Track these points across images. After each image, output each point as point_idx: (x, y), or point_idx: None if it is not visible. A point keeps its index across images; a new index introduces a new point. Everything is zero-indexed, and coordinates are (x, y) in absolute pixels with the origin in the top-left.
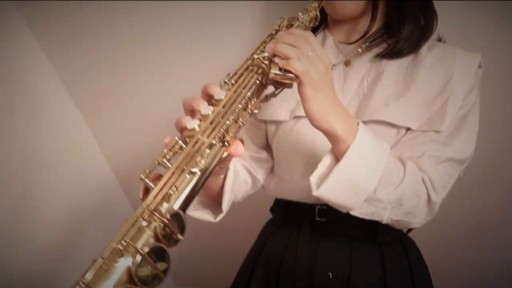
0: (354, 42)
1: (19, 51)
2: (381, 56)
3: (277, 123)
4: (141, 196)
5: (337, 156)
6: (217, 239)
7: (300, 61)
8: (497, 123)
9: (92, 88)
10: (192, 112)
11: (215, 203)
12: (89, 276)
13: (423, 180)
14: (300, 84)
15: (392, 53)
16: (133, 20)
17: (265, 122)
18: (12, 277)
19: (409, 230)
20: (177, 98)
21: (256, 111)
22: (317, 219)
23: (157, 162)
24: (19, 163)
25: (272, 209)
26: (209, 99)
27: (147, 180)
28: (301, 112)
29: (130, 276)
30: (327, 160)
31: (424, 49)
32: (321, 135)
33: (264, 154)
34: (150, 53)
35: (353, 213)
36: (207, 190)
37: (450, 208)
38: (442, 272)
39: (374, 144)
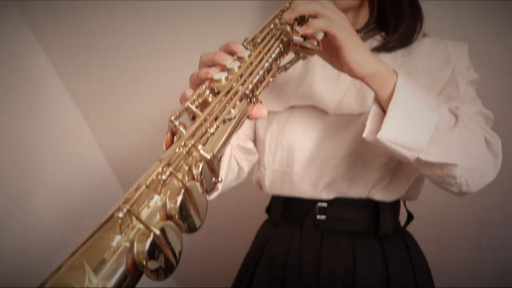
0: None
1: (19, 51)
2: (377, 50)
3: (270, 114)
4: (165, 144)
5: (384, 106)
6: (217, 239)
7: (318, 20)
8: (496, 123)
9: (92, 88)
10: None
11: None
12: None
13: None
14: (332, 36)
15: (388, 48)
16: (133, 20)
17: None
18: (9, 275)
19: (408, 221)
20: (177, 98)
21: (271, 79)
22: (317, 217)
23: (187, 106)
24: (19, 162)
25: (268, 210)
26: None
27: (177, 123)
28: (296, 102)
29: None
30: (375, 110)
31: (414, 42)
32: (318, 123)
33: (250, 145)
34: (150, 52)
35: (424, 156)
36: None
37: (450, 208)
38: (442, 272)
39: (417, 83)
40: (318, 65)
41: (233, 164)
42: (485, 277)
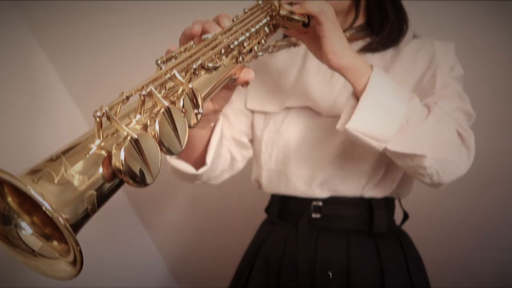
0: None
1: (19, 52)
2: (365, 50)
3: (266, 114)
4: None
5: (358, 97)
6: (217, 239)
7: (312, 2)
8: (496, 123)
9: (93, 88)
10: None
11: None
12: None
13: None
14: (319, 23)
15: (372, 48)
16: (134, 20)
17: (252, 112)
18: (11, 277)
19: (404, 220)
20: None
21: (260, 53)
22: (312, 215)
23: (172, 53)
24: (20, 162)
25: (267, 210)
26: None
27: (160, 62)
28: (291, 103)
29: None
30: (350, 102)
31: (403, 43)
32: (313, 123)
33: (245, 139)
34: (150, 53)
35: (392, 146)
36: (189, 147)
37: (449, 207)
38: (441, 272)
39: (391, 77)
40: (312, 68)
41: (225, 152)
42: (481, 277)
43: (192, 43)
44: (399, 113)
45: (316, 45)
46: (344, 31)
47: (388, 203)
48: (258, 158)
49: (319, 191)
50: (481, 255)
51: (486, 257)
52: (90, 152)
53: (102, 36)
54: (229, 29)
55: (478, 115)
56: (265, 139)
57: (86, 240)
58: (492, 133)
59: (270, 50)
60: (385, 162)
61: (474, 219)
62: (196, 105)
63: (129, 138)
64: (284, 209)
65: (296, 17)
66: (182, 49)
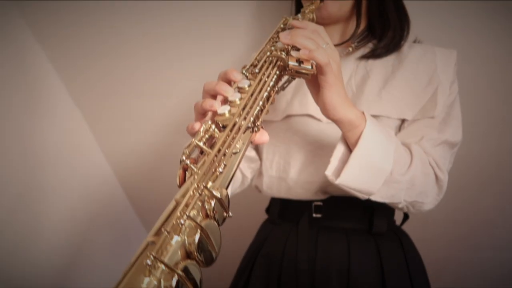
0: (342, 44)
1: (20, 52)
2: (367, 57)
3: (268, 123)
4: (178, 179)
5: (350, 145)
6: None
7: (320, 52)
8: (495, 123)
9: (92, 89)
10: (213, 97)
11: None
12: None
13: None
14: (322, 73)
15: (376, 54)
16: (134, 20)
17: None
18: (11, 277)
19: (404, 220)
20: (177, 98)
21: (274, 103)
22: (313, 215)
23: (195, 144)
24: (20, 163)
25: (267, 210)
26: (229, 84)
27: (188, 162)
28: (292, 111)
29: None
30: (340, 149)
31: (405, 48)
32: (313, 130)
33: (253, 153)
34: (151, 53)
35: (374, 197)
36: None
37: (448, 207)
38: (440, 271)
39: (382, 129)
40: None
41: (237, 174)
42: (481, 277)
43: (209, 123)
44: (385, 171)
45: (315, 88)
46: (347, 41)
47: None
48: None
49: (320, 195)
50: (481, 255)
51: (486, 257)
52: None
53: (102, 36)
54: (244, 106)
55: (478, 115)
56: (266, 147)
57: (85, 247)
58: (492, 133)
59: (277, 93)
60: None
61: (474, 219)
62: (225, 210)
63: (175, 275)
64: (285, 209)
65: (303, 70)
66: (202, 134)
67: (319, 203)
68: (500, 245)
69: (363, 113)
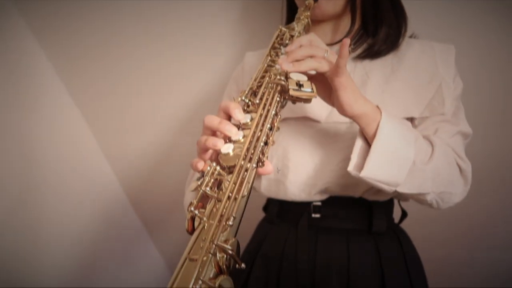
0: (337, 43)
1: (19, 51)
2: (362, 57)
3: None
4: (188, 227)
5: (369, 140)
6: None
7: (325, 65)
8: (496, 122)
9: (92, 88)
10: (214, 133)
11: None
12: None
13: None
14: (337, 75)
15: (372, 54)
16: (134, 20)
17: None
18: (10, 277)
19: (403, 218)
20: (177, 98)
21: (278, 130)
22: (312, 215)
23: (201, 191)
24: (19, 163)
25: (265, 208)
26: (230, 118)
27: (197, 212)
28: (289, 114)
29: None
30: (359, 144)
31: (402, 45)
32: (311, 132)
33: None
34: (150, 53)
35: (401, 189)
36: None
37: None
38: (435, 270)
39: (399, 120)
40: None
41: None
42: (481, 276)
43: (214, 165)
44: (408, 159)
45: (326, 92)
46: (342, 39)
47: (387, 203)
48: None
49: (319, 196)
50: (480, 254)
51: (485, 256)
52: None
53: (102, 35)
54: (247, 149)
55: (478, 115)
56: None
57: (86, 247)
58: (492, 133)
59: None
60: None
61: (474, 219)
62: (237, 262)
63: None
64: (284, 209)
65: (304, 96)
66: (207, 179)
67: (318, 203)
68: (499, 244)
69: (377, 106)
